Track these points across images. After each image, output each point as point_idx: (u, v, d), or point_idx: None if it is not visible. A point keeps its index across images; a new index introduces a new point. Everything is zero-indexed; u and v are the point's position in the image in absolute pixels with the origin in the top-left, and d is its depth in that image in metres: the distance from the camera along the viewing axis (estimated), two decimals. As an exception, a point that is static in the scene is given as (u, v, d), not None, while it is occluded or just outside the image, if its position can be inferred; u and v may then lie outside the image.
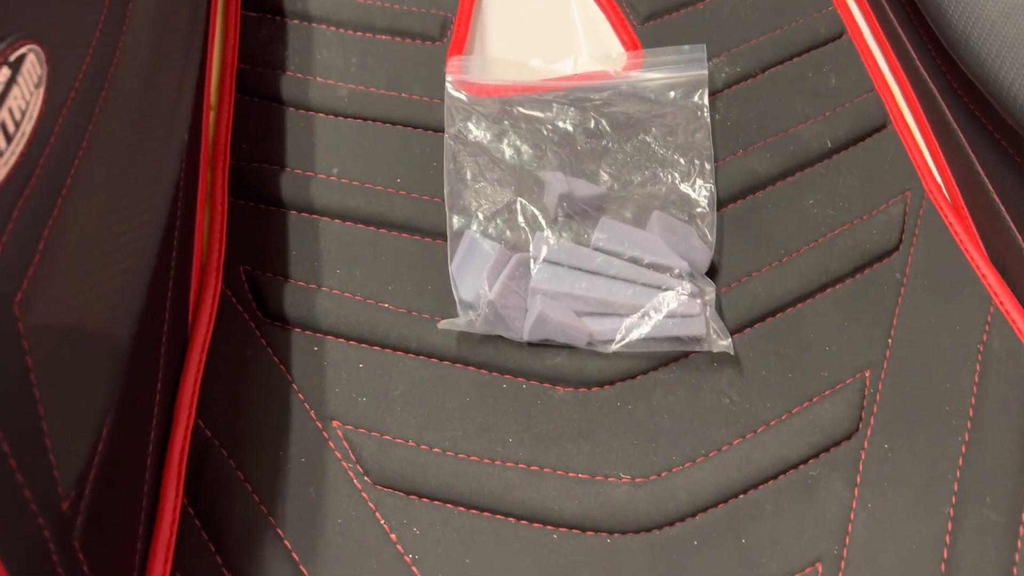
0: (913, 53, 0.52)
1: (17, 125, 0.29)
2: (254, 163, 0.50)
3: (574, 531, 0.40)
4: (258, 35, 0.55)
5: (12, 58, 0.30)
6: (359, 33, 0.56)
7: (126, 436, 0.36)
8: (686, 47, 0.52)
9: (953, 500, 0.41)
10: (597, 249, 0.45)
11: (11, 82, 0.30)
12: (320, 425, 0.42)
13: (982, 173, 0.47)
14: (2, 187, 0.28)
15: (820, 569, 0.40)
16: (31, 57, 0.31)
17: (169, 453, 0.40)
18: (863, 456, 0.42)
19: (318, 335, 0.45)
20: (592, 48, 0.57)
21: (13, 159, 0.29)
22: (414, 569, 0.39)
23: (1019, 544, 0.40)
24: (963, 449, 0.42)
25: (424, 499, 0.41)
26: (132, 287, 0.36)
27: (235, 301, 0.46)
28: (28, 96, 0.30)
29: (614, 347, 0.44)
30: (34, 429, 0.29)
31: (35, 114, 0.31)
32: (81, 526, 0.32)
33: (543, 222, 0.46)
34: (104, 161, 0.35)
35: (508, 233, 0.47)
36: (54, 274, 0.31)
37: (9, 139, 0.29)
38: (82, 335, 0.32)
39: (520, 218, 0.46)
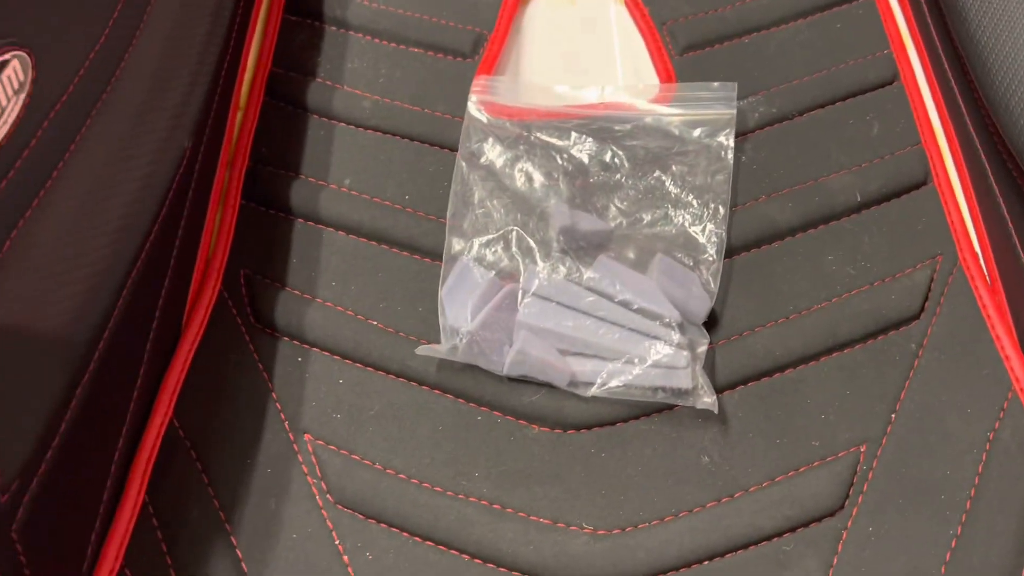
0: (963, 107, 0.48)
1: (-12, 129, 0.31)
2: (270, 167, 0.51)
3: (525, 577, 0.39)
4: (295, 40, 0.56)
5: (-7, 64, 0.31)
6: (392, 44, 0.56)
7: (91, 428, 0.37)
8: (716, 84, 0.50)
9: (934, 598, 0.38)
10: (589, 288, 0.44)
11: (-13, 87, 0.31)
12: (292, 437, 0.43)
13: (1019, 247, 0.43)
14: None
15: None
16: (15, 63, 0.32)
17: (140, 448, 0.41)
18: (844, 537, 0.40)
19: (304, 346, 0.45)
20: (628, 76, 0.55)
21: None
22: (359, 594, 0.39)
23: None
24: (953, 544, 0.39)
25: (382, 524, 0.41)
26: (103, 288, 0.37)
27: (231, 304, 0.46)
28: (5, 102, 0.32)
29: (594, 391, 0.42)
30: None
31: (11, 119, 0.32)
32: (23, 518, 0.33)
33: (538, 255, 0.45)
34: (89, 167, 0.36)
35: (505, 262, 0.46)
36: (13, 276, 0.32)
37: (-23, 143, 0.30)
38: (35, 334, 0.33)
39: (516, 248, 0.46)
